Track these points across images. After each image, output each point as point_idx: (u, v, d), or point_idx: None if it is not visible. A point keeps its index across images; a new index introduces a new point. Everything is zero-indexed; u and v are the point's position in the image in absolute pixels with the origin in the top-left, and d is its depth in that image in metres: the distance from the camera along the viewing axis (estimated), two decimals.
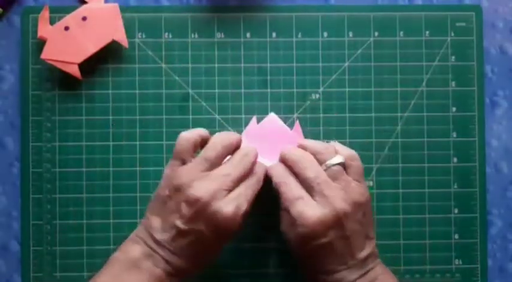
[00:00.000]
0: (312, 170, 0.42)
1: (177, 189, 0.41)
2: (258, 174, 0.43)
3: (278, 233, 0.43)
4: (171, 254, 0.41)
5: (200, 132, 0.43)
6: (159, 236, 0.41)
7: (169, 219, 0.41)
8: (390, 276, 0.43)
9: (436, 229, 0.50)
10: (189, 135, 0.42)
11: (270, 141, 0.49)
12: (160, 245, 0.41)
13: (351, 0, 0.51)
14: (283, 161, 0.44)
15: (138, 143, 0.50)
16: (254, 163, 0.43)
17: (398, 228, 0.50)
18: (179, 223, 0.40)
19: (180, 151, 0.42)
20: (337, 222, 0.41)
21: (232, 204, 0.40)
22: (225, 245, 0.43)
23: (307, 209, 0.41)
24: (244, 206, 0.41)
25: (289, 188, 0.42)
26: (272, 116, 0.50)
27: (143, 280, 0.40)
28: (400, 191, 0.50)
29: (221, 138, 0.43)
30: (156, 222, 0.41)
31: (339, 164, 0.42)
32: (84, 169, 0.50)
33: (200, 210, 0.40)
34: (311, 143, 0.45)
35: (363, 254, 0.42)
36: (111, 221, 0.49)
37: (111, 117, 0.50)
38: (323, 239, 0.40)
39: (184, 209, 0.40)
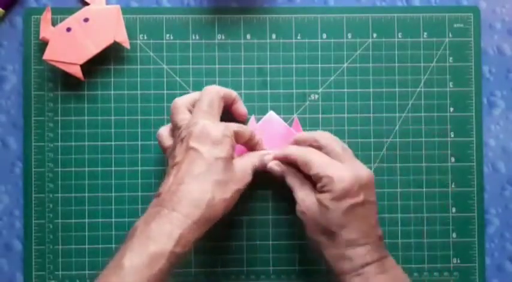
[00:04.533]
0: (340, 146, 0.45)
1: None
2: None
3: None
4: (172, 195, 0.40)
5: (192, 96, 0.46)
6: (160, 189, 0.42)
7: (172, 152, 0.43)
8: (402, 272, 0.43)
9: (434, 228, 0.50)
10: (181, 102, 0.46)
11: (270, 139, 0.49)
12: (162, 194, 0.41)
13: (349, 2, 0.52)
14: (314, 141, 0.45)
15: (139, 143, 0.50)
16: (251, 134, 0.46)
17: (397, 227, 0.50)
18: (174, 143, 0.43)
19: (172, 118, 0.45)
20: (367, 185, 0.42)
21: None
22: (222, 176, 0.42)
23: (343, 169, 0.42)
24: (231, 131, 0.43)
25: (319, 156, 0.44)
26: (271, 114, 0.50)
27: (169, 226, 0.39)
28: (398, 190, 0.50)
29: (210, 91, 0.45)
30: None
31: None
32: (86, 169, 0.50)
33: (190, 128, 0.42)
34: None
35: (379, 232, 0.43)
36: (113, 219, 0.50)
37: (113, 117, 0.50)
38: (357, 198, 0.41)
39: (183, 133, 0.43)
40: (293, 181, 0.45)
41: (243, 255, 0.50)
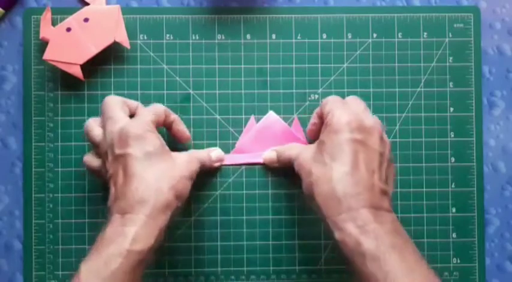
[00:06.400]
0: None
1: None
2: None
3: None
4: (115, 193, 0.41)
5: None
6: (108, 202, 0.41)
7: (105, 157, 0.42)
8: (405, 232, 0.40)
9: (433, 228, 0.50)
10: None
11: (270, 139, 0.49)
12: (110, 206, 0.41)
13: (349, 2, 0.52)
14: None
15: None
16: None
17: None
18: (108, 154, 0.42)
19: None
20: (369, 130, 0.41)
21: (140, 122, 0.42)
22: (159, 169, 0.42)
23: (347, 110, 0.42)
24: (150, 117, 0.43)
25: (337, 101, 0.44)
26: (271, 114, 0.50)
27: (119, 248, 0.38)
28: (398, 190, 0.50)
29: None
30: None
31: None
32: (86, 168, 0.50)
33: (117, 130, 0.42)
34: None
35: (382, 185, 0.40)
36: None
37: None
38: (354, 135, 0.40)
39: (105, 146, 0.42)
40: (288, 152, 0.46)
41: (243, 255, 0.50)
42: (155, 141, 0.42)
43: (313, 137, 0.48)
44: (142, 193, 0.39)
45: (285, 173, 0.50)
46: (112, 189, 0.41)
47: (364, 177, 0.39)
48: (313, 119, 0.47)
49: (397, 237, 0.38)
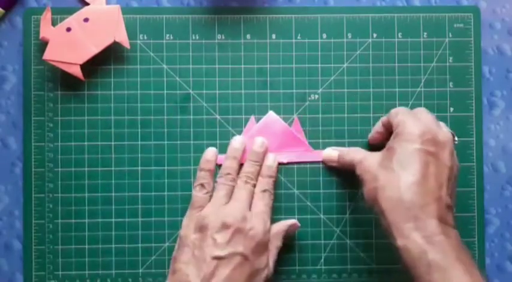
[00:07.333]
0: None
1: (205, 228, 0.43)
2: (270, 189, 0.47)
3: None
4: None
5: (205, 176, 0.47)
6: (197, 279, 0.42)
7: (205, 255, 0.42)
8: (468, 250, 0.40)
9: None
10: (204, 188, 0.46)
11: (270, 139, 0.49)
12: None
13: (349, 2, 0.52)
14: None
15: (139, 143, 0.50)
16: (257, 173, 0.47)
17: None
18: (218, 252, 0.42)
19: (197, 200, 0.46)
20: (442, 144, 0.41)
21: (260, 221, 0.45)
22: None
23: (419, 121, 0.42)
24: (268, 222, 0.45)
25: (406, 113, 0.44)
26: (271, 114, 0.50)
27: None
28: None
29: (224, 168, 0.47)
30: (190, 268, 0.43)
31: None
32: (86, 169, 0.50)
33: (236, 231, 0.43)
34: None
35: (449, 200, 0.41)
36: (113, 220, 0.50)
37: (112, 117, 0.50)
38: (427, 146, 0.41)
39: (220, 238, 0.42)
40: (352, 154, 0.46)
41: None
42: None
43: (375, 144, 0.48)
44: None
45: (284, 174, 0.50)
46: (212, 264, 0.42)
47: (432, 189, 0.40)
48: (378, 127, 0.47)
49: (462, 252, 0.39)
